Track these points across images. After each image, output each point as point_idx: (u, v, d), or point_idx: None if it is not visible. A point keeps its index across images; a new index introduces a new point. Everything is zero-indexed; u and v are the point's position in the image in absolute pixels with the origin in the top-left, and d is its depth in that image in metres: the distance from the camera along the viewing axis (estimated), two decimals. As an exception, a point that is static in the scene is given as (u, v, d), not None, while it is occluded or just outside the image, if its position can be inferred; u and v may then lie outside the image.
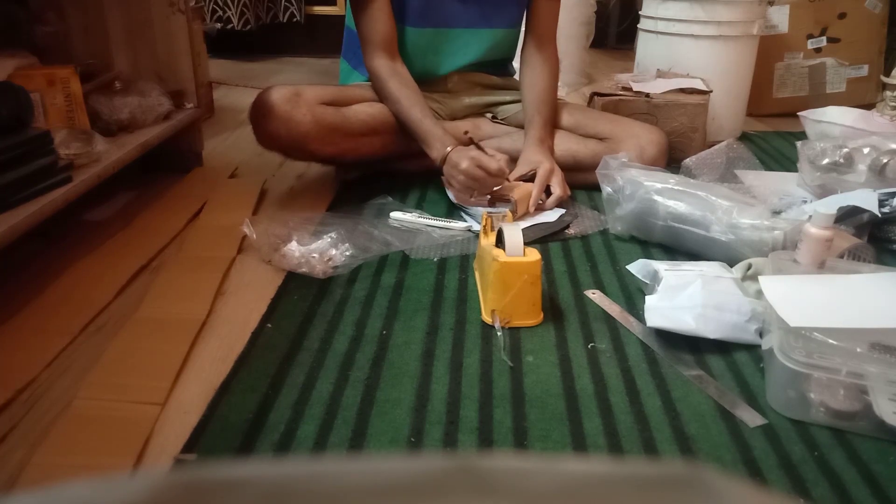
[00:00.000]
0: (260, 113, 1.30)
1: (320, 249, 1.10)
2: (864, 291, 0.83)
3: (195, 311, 0.97)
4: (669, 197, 1.15)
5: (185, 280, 1.06)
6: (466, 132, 1.33)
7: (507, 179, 1.28)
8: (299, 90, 1.32)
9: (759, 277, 0.83)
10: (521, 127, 1.51)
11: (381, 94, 1.41)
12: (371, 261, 1.12)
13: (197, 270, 1.09)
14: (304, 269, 1.07)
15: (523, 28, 1.55)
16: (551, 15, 1.51)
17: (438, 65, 1.48)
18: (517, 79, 1.65)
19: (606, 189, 1.21)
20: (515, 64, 1.64)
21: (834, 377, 0.74)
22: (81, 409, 0.77)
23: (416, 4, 1.40)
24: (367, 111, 1.39)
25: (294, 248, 1.10)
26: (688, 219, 1.12)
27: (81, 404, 0.77)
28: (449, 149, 1.29)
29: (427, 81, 1.50)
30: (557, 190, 1.30)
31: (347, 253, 1.11)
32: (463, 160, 1.25)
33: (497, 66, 1.57)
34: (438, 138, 1.31)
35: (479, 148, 1.29)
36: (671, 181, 1.17)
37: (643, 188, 1.16)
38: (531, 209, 1.28)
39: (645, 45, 1.92)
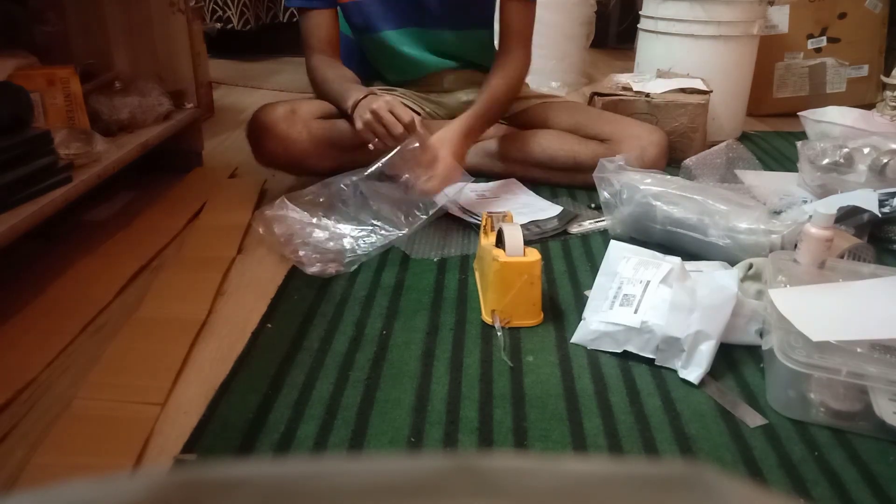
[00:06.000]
0: (257, 134, 1.31)
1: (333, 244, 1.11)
2: (878, 298, 0.82)
3: (195, 311, 0.97)
4: (666, 201, 1.14)
5: (185, 280, 1.06)
6: (418, 115, 1.24)
7: (415, 133, 1.17)
8: (295, 107, 1.32)
9: (770, 290, 0.83)
10: (521, 127, 1.52)
11: (315, 85, 1.37)
12: (371, 261, 1.12)
13: (197, 270, 1.09)
14: (315, 268, 1.07)
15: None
16: (520, 17, 1.40)
17: (420, 63, 1.48)
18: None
19: (603, 193, 1.21)
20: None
21: (834, 377, 0.74)
22: (81, 410, 0.77)
23: (379, 9, 1.40)
24: None
25: (316, 237, 1.12)
26: (685, 223, 1.12)
27: (81, 404, 0.77)
28: (363, 95, 1.22)
29: (423, 81, 1.51)
30: (430, 184, 1.16)
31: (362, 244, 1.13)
32: (376, 101, 1.17)
33: (487, 68, 1.57)
34: (355, 90, 1.25)
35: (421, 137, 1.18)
36: (668, 185, 1.17)
37: (640, 192, 1.16)
38: (411, 180, 1.16)
39: (645, 45, 1.92)
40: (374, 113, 1.16)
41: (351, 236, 1.15)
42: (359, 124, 1.19)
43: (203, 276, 1.07)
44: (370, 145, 1.19)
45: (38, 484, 0.66)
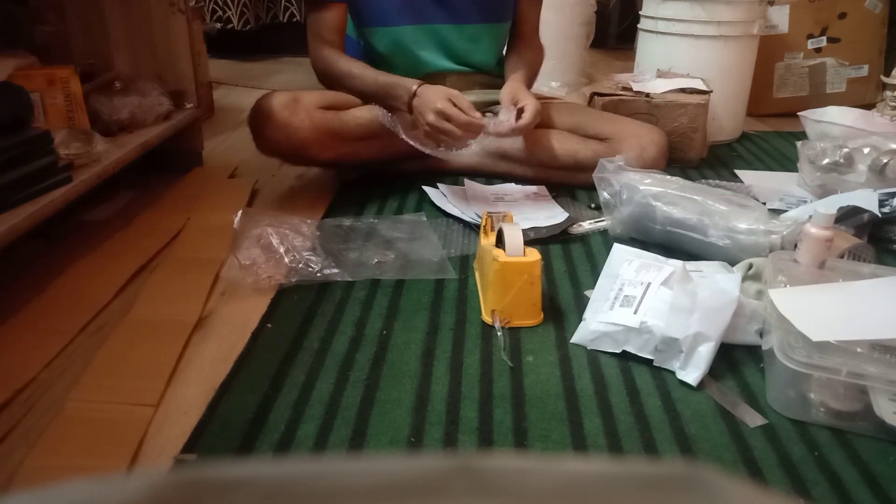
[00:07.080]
0: (259, 120, 1.30)
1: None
2: (878, 298, 0.82)
3: (187, 312, 0.97)
4: (666, 201, 1.14)
5: (176, 281, 1.06)
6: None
7: (478, 128, 1.25)
8: (297, 96, 1.32)
9: (770, 290, 0.83)
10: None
11: (332, 76, 1.40)
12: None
13: (188, 272, 1.09)
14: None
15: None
16: (535, 14, 1.57)
17: (426, 62, 1.48)
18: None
19: (603, 193, 1.21)
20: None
21: (834, 377, 0.74)
22: (74, 412, 0.76)
23: (396, 3, 1.41)
24: (365, 115, 1.38)
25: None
26: (685, 224, 1.12)
27: (74, 406, 0.77)
28: (415, 87, 1.29)
29: (425, 80, 1.50)
30: (527, 115, 1.27)
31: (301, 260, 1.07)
32: (428, 112, 1.24)
33: (493, 66, 1.57)
34: (399, 84, 1.32)
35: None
36: (667, 185, 1.17)
37: (640, 192, 1.16)
38: (500, 126, 1.26)
39: (645, 45, 1.92)
40: (431, 125, 1.23)
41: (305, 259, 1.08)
42: (425, 119, 1.25)
43: (194, 277, 1.07)
44: (439, 147, 1.27)
45: (32, 486, 0.66)
